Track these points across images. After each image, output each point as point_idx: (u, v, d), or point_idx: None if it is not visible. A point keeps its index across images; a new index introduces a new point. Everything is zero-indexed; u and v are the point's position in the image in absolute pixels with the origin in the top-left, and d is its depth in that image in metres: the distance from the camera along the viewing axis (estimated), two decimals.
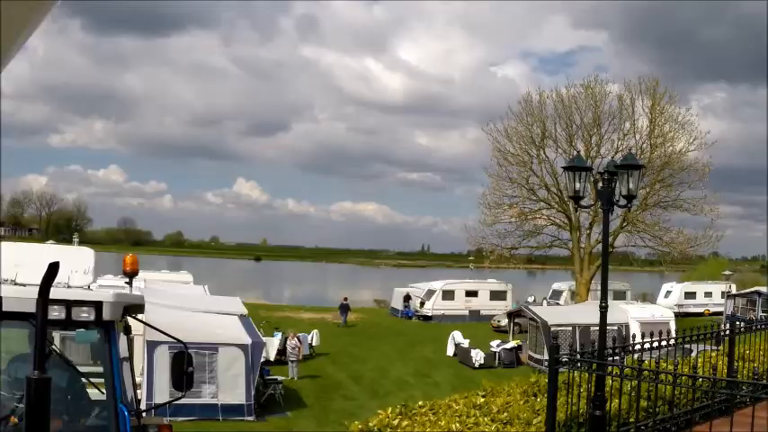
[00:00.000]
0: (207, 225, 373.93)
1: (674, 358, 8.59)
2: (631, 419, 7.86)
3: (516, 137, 49.34)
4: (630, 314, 32.88)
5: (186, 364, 7.47)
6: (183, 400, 11.76)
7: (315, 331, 35.98)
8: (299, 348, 30.12)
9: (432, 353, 36.82)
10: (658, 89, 48.80)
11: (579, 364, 7.57)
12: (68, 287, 7.24)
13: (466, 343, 35.56)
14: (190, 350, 7.80)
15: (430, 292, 52.81)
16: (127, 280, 9.33)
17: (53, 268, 4.04)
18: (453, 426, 7.17)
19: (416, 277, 69.86)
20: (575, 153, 46.49)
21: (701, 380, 7.98)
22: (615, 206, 9.12)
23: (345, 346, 37.86)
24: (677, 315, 39.73)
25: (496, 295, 51.84)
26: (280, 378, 26.09)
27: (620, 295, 52.67)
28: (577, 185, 8.91)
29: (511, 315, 39.67)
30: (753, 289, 51.54)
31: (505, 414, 7.79)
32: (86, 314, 6.69)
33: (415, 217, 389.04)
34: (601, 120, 48.76)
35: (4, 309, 6.17)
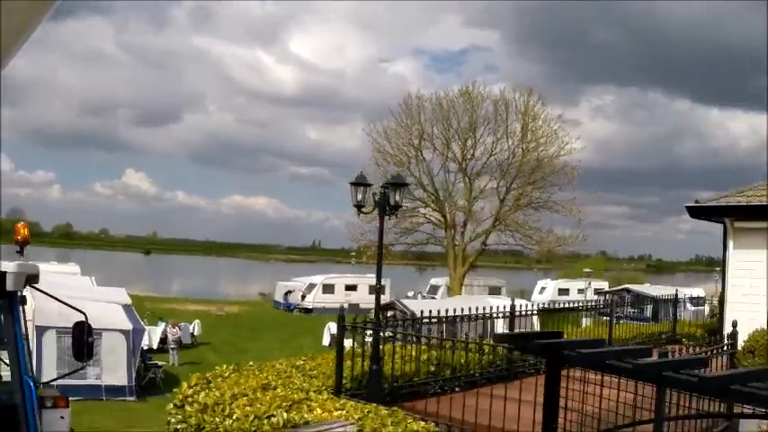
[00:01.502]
0: (96, 217, 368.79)
1: (463, 332, 11.12)
2: (416, 378, 10.31)
3: (395, 138, 51.95)
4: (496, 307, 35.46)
5: (87, 333, 7.49)
6: (69, 381, 13.11)
7: (197, 321, 37.75)
8: (179, 336, 32.00)
9: (310, 343, 38.74)
10: (532, 96, 52.02)
11: (357, 329, 10.24)
12: None
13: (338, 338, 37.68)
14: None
15: (311, 286, 55.07)
16: (18, 249, 9.22)
17: None
18: (270, 377, 9.49)
19: (306, 272, 71.76)
20: (451, 155, 49.48)
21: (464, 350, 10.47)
22: (388, 212, 11.59)
23: (228, 337, 39.60)
24: (551, 311, 41.91)
25: (374, 289, 54.01)
26: (160, 363, 27.98)
27: (495, 291, 55.68)
28: (359, 197, 11.33)
29: (383, 308, 42.00)
30: (622, 287, 55.08)
31: (315, 371, 10.22)
32: None
33: (307, 211, 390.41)
34: (477, 124, 51.79)
35: None
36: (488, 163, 52.01)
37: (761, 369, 6.04)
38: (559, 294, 62.92)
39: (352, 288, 54.55)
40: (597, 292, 55.72)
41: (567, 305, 17.39)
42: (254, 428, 7.74)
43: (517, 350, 9.10)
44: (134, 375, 24.42)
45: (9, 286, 6.69)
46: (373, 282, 56.07)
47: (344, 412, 8.08)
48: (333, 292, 53.48)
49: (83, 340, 7.51)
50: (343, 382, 9.77)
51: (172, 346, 31.21)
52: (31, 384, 6.90)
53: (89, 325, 7.64)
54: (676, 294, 21.84)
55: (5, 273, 6.74)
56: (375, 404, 8.53)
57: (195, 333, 36.72)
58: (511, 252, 64.54)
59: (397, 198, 11.76)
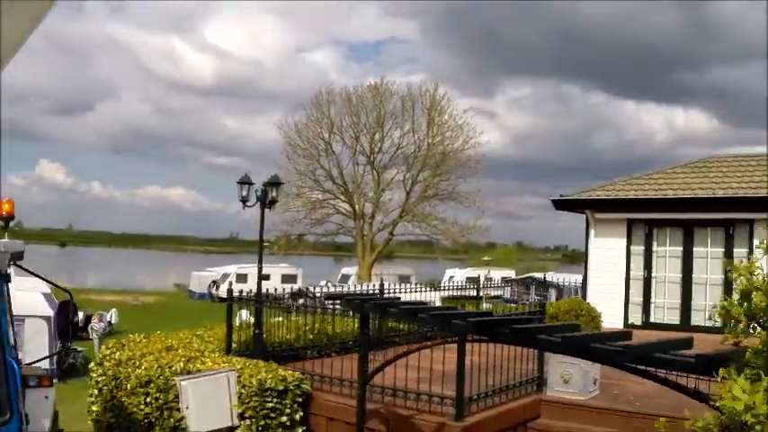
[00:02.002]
0: None
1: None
2: (295, 344, 12.59)
3: (306, 132, 53.83)
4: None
5: (72, 313, 7.48)
6: None
7: (113, 310, 39.34)
8: (104, 327, 33.57)
9: (222, 329, 40.72)
10: (438, 92, 54.42)
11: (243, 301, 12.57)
12: None
13: (251, 320, 39.80)
14: None
15: (225, 276, 56.78)
16: (2, 224, 8.61)
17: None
18: (174, 342, 11.73)
19: (223, 263, 72.87)
20: (360, 148, 51.64)
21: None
22: (268, 207, 13.93)
23: (143, 324, 40.96)
24: (459, 298, 44.20)
25: (288, 279, 56.01)
26: (80, 348, 29.68)
27: (405, 279, 57.91)
28: (244, 193, 13.65)
29: (294, 295, 44.20)
30: (527, 275, 57.95)
31: (211, 338, 12.54)
32: None
33: (224, 203, 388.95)
34: (384, 118, 53.94)
35: None
36: (396, 156, 54.19)
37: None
38: (468, 282, 65.16)
39: (265, 277, 56.21)
40: (505, 280, 58.34)
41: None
42: (157, 374, 10.00)
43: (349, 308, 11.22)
44: (56, 359, 25.98)
45: None
46: (285, 271, 57.94)
47: (230, 364, 10.40)
48: (246, 281, 55.10)
49: (69, 320, 7.57)
50: (233, 345, 12.07)
51: (95, 336, 32.60)
52: (16, 366, 6.78)
53: (74, 304, 7.68)
54: (544, 277, 24.45)
55: None
56: (257, 360, 10.86)
57: (112, 321, 38.25)
58: (422, 242, 66.81)
59: (274, 194, 14.04)
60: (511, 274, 65.96)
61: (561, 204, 20.73)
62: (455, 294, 19.95)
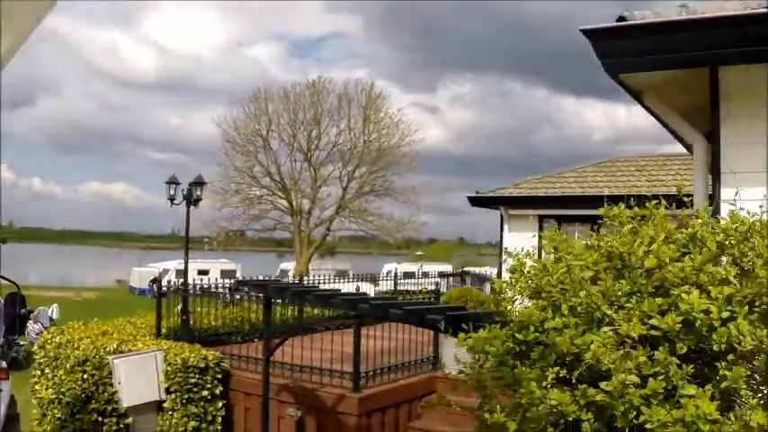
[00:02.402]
0: None
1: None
2: (220, 329, 14.05)
3: (244, 129, 54.69)
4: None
5: (19, 306, 7.30)
6: None
7: (55, 305, 40.13)
8: (41, 328, 34.42)
9: (154, 317, 41.71)
10: (374, 90, 55.89)
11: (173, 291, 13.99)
12: None
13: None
14: None
15: (165, 271, 57.73)
16: None
17: None
18: (109, 328, 13.21)
19: (164, 258, 73.48)
20: (297, 145, 52.81)
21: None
22: (194, 205, 15.35)
23: (85, 319, 42.05)
24: (397, 292, 45.79)
25: (226, 273, 57.04)
26: (22, 342, 30.68)
27: (342, 274, 59.25)
28: (171, 192, 15.07)
29: (231, 289, 45.42)
30: (461, 269, 59.76)
31: (144, 324, 14.01)
32: None
33: (166, 199, 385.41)
34: (321, 116, 55.21)
35: None
36: (332, 153, 55.39)
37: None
38: (404, 278, 66.71)
39: (204, 272, 57.33)
40: (441, 274, 59.86)
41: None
42: (93, 354, 11.41)
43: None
44: None
45: None
46: (225, 266, 58.91)
47: (158, 346, 11.86)
48: (186, 277, 55.92)
49: (16, 312, 7.34)
50: (163, 330, 13.52)
51: (33, 337, 33.42)
52: None
53: (22, 296, 7.63)
54: (462, 270, 26.02)
55: None
56: (183, 342, 12.35)
57: (54, 316, 39.04)
58: (363, 238, 68.30)
59: (198, 193, 15.49)
60: (448, 268, 67.68)
61: (476, 201, 22.07)
62: (393, 288, 21.33)
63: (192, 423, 11.35)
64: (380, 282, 25.78)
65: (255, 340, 13.64)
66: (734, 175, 5.80)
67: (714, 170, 6.00)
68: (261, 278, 39.68)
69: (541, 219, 20.34)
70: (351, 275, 55.61)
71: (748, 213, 4.25)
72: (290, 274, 60.70)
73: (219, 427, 11.71)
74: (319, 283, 15.83)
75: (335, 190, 55.97)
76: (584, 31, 5.74)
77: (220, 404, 11.74)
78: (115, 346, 11.70)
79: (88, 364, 11.46)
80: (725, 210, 5.46)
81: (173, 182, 15.52)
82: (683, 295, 3.36)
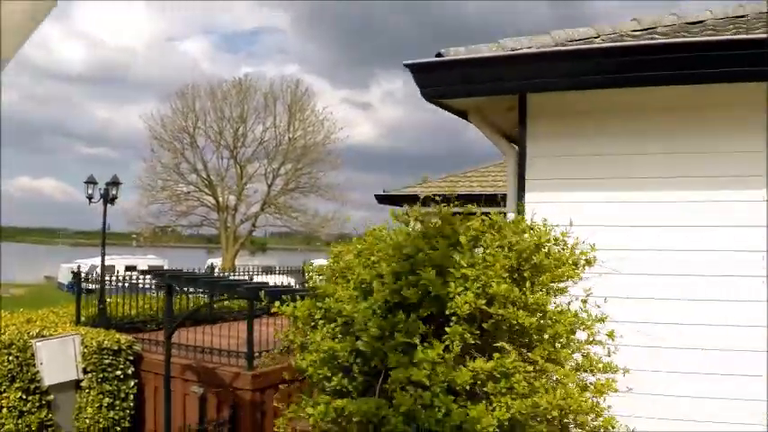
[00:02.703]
0: None
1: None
2: (136, 318, 15.34)
3: (171, 126, 55.34)
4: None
5: None
6: None
7: None
8: None
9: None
10: (299, 89, 57.09)
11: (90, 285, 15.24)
12: None
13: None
14: None
15: (93, 267, 58.19)
16: None
17: None
18: (34, 316, 14.49)
19: (92, 255, 73.69)
20: (224, 142, 53.60)
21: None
22: (110, 203, 16.56)
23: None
24: None
25: (154, 269, 57.67)
26: None
27: (269, 270, 60.29)
28: (90, 191, 16.27)
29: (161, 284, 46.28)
30: None
31: (66, 314, 15.28)
32: None
33: (89, 190, 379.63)
34: (247, 114, 56.26)
35: None
36: (258, 150, 56.38)
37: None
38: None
39: (131, 268, 57.97)
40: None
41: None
42: (18, 338, 12.67)
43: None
44: None
45: None
46: (152, 262, 59.74)
47: (77, 331, 13.16)
48: (113, 273, 56.56)
49: None
50: (82, 318, 14.79)
51: None
52: None
53: None
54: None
55: None
56: (100, 328, 13.66)
57: None
58: (294, 235, 69.17)
59: (114, 192, 16.73)
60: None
61: (384, 199, 23.42)
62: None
63: (107, 399, 12.70)
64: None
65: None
66: (535, 182, 7.36)
67: (520, 177, 7.51)
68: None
69: (463, 216, 21.68)
70: (277, 270, 56.88)
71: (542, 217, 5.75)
72: (217, 269, 61.63)
73: (132, 404, 13.07)
74: (233, 275, 17.21)
75: (261, 187, 56.87)
76: (406, 65, 7.22)
77: (132, 383, 13.08)
78: (38, 332, 12.97)
79: (13, 347, 12.69)
80: (529, 210, 7.01)
81: (90, 181, 16.72)
82: (425, 274, 4.84)
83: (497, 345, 4.75)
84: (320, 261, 33.06)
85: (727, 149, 6.57)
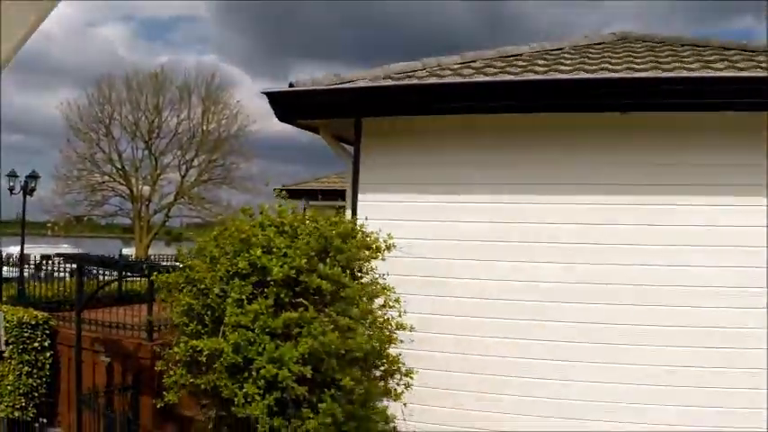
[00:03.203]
0: None
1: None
2: (53, 298, 17.22)
3: (87, 116, 56.00)
4: None
5: None
6: None
7: None
8: None
9: None
10: (214, 82, 58.55)
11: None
12: None
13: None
14: None
15: (9, 256, 58.85)
16: None
17: None
18: None
19: (10, 244, 73.72)
20: (139, 133, 54.72)
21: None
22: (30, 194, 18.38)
23: None
24: None
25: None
26: None
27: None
28: (11, 183, 18.06)
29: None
30: None
31: None
32: None
33: (10, 183, 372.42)
34: (163, 106, 57.43)
35: None
36: (173, 141, 57.59)
37: None
38: None
39: (47, 257, 58.66)
40: None
41: None
42: None
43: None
44: None
45: None
46: (67, 251, 60.18)
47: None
48: (29, 262, 57.17)
49: None
50: (4, 298, 16.66)
51: None
52: None
53: None
54: None
55: None
56: (20, 306, 15.56)
57: None
58: (201, 225, 70.41)
59: (33, 185, 18.51)
60: None
61: (279, 193, 25.48)
62: None
63: (26, 368, 14.61)
64: None
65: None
66: (366, 185, 9.59)
67: (355, 181, 9.72)
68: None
69: (338, 210, 23.61)
70: None
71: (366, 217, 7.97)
72: (131, 258, 62.63)
73: (48, 372, 14.99)
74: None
75: (176, 177, 58.00)
76: (264, 92, 9.38)
77: (48, 354, 14.99)
78: None
79: None
80: (361, 208, 9.26)
81: (11, 174, 18.40)
82: (254, 253, 7.04)
83: (301, 302, 6.95)
84: None
85: (497, 163, 8.92)
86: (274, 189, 23.95)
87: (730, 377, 8.09)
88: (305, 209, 25.34)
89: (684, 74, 8.08)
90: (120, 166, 56.23)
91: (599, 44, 11.05)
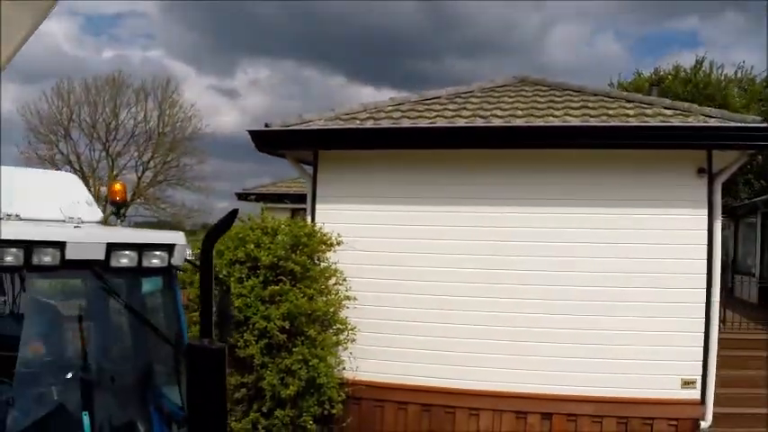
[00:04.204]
0: None
1: None
2: None
3: (46, 119, 57.96)
4: None
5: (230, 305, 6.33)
6: None
7: None
8: None
9: None
10: (170, 86, 61.01)
11: None
12: (81, 223, 5.77)
13: None
14: None
15: None
16: (114, 210, 7.53)
17: (232, 216, 3.67)
18: None
19: None
20: (96, 135, 57.06)
21: None
22: None
23: None
24: None
25: None
26: None
27: None
28: None
29: None
30: None
31: None
32: (158, 260, 5.50)
33: None
34: (120, 109, 59.61)
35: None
36: (129, 143, 59.61)
37: None
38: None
39: None
40: None
41: None
42: None
43: None
44: None
45: (176, 261, 5.67)
46: None
47: None
48: None
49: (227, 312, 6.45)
50: None
51: None
52: None
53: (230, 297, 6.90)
54: None
55: (174, 246, 5.68)
56: None
57: None
58: (154, 224, 72.56)
59: None
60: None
61: (242, 197, 28.19)
62: None
63: None
64: None
65: None
66: (322, 198, 13.08)
67: (313, 194, 13.19)
68: None
69: (293, 212, 24.51)
70: None
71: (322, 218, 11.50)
72: None
73: None
74: None
75: (132, 178, 59.54)
76: (248, 131, 12.81)
77: None
78: None
79: None
80: (318, 215, 12.76)
81: None
82: (248, 247, 10.54)
83: (281, 279, 10.48)
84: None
85: (410, 181, 12.50)
86: (236, 193, 27.12)
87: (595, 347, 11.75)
88: (263, 210, 28.35)
89: (534, 123, 11.82)
90: (78, 168, 58.22)
91: (502, 86, 14.47)
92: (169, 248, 5.61)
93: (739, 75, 35.17)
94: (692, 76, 33.83)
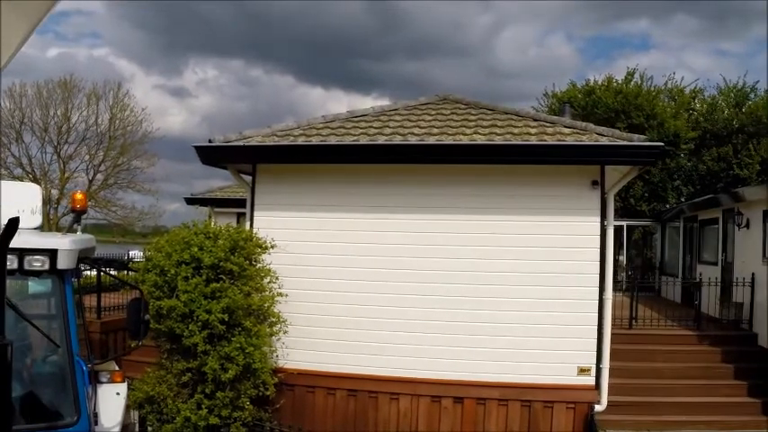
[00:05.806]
0: None
1: None
2: None
3: None
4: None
5: (143, 311, 7.26)
6: None
7: None
8: None
9: None
10: (121, 91, 61.42)
11: None
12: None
13: None
14: None
15: None
16: (75, 217, 8.11)
17: (13, 225, 3.15)
18: None
19: None
20: (48, 138, 57.42)
21: None
22: None
23: None
24: None
25: None
26: None
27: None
28: None
29: None
30: None
31: None
32: (40, 263, 6.00)
33: None
34: (71, 113, 59.82)
35: None
36: (80, 147, 59.78)
37: None
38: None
39: None
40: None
41: None
42: None
43: None
44: None
45: (60, 264, 6.04)
46: None
47: None
48: None
49: (140, 318, 7.41)
50: None
51: None
52: (84, 366, 6.79)
53: (146, 302, 7.71)
54: None
55: (57, 251, 6.20)
56: None
57: None
58: (105, 227, 72.27)
59: None
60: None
61: (191, 201, 29.47)
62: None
63: None
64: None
65: None
66: (259, 205, 14.60)
67: (252, 203, 14.69)
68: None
69: (239, 216, 25.95)
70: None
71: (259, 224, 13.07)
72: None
73: None
74: None
75: (83, 181, 59.57)
76: (194, 146, 14.30)
77: None
78: None
79: None
80: (256, 221, 14.29)
81: None
82: (193, 249, 12.10)
83: (221, 278, 12.06)
84: (134, 252, 37.74)
85: (333, 193, 14.10)
86: (185, 198, 28.22)
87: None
88: (210, 215, 29.66)
89: (444, 141, 13.38)
90: (30, 170, 58.62)
91: (424, 104, 15.96)
92: (52, 253, 6.09)
93: (669, 85, 36.54)
94: (622, 87, 35.16)
